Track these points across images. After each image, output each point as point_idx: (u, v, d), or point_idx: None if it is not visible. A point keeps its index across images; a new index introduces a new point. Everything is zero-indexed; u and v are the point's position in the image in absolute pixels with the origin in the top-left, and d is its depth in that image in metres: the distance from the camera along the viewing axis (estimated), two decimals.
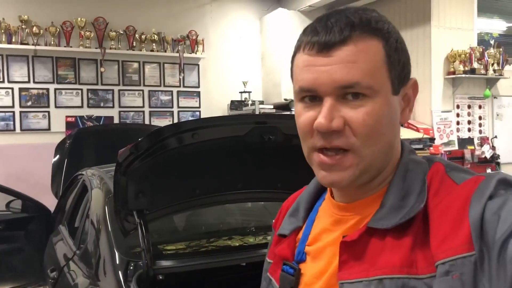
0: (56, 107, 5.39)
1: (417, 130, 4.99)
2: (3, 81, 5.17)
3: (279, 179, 2.06)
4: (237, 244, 2.17)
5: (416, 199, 0.69)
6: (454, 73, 5.19)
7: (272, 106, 5.54)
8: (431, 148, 4.86)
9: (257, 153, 1.91)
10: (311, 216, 0.84)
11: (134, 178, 1.87)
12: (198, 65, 6.07)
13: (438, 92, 5.23)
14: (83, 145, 4.37)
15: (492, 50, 5.43)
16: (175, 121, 5.93)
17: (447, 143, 5.25)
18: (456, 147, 5.32)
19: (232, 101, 6.02)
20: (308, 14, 5.99)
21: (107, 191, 2.48)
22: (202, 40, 6.00)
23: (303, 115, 0.72)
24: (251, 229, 2.48)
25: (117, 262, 1.93)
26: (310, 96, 0.70)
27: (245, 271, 2.14)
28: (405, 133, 4.82)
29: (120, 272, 1.86)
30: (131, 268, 1.86)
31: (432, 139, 4.94)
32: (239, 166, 1.98)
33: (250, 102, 5.81)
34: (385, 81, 0.69)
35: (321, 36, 0.68)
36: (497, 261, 0.58)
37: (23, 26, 5.16)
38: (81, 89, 5.50)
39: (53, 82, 5.37)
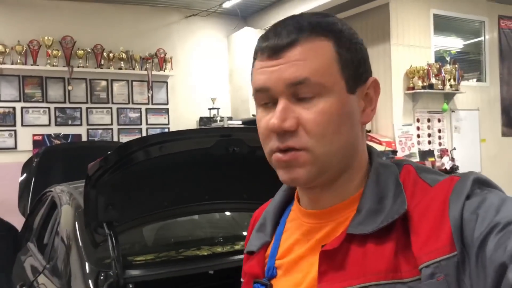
0: (22, 125, 5.37)
1: (380, 143, 5.19)
2: None
3: (245, 190, 2.15)
4: (205, 254, 2.24)
5: (393, 202, 0.68)
6: (413, 88, 5.44)
7: (240, 122, 5.66)
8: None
9: (223, 164, 2.00)
10: (279, 230, 0.82)
11: (103, 191, 1.93)
12: (167, 82, 6.15)
13: (399, 106, 5.46)
14: (50, 163, 4.35)
15: (448, 67, 5.71)
16: None
17: (409, 155, 5.46)
18: (417, 159, 5.54)
19: (201, 118, 6.11)
20: None
21: (76, 206, 2.52)
22: (170, 58, 6.09)
23: (262, 119, 0.72)
24: (219, 239, 2.55)
25: (87, 271, 1.97)
26: (268, 100, 0.71)
27: (213, 280, 2.22)
28: None
29: (90, 281, 1.91)
30: (102, 278, 1.91)
31: (394, 152, 5.14)
32: (206, 178, 2.06)
33: (219, 118, 5.92)
34: (338, 79, 0.69)
35: (270, 41, 0.70)
36: (476, 260, 0.58)
37: None
38: (49, 107, 5.50)
39: (19, 101, 5.36)
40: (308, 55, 0.68)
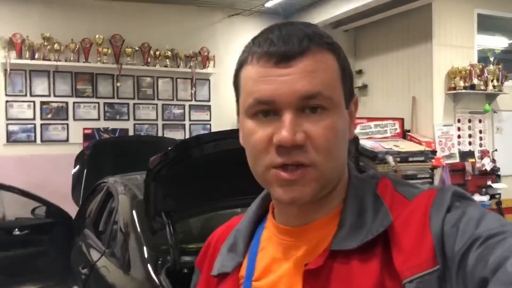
0: (74, 119, 5.67)
1: (419, 143, 5.22)
2: (25, 95, 5.47)
3: None
4: None
5: (374, 215, 0.67)
6: (455, 88, 5.42)
7: None
8: (433, 160, 5.07)
9: None
10: (253, 249, 0.77)
11: (162, 183, 2.12)
12: (209, 80, 6.34)
13: (439, 107, 5.46)
14: (101, 156, 4.62)
15: (491, 67, 5.66)
16: (187, 133, 6.20)
17: (449, 156, 5.46)
18: (457, 160, 5.53)
19: None
20: None
21: (132, 196, 2.72)
22: (213, 56, 6.28)
23: (257, 132, 0.66)
24: None
25: (146, 256, 2.16)
26: (263, 111, 0.66)
27: None
28: (408, 146, 5.04)
29: (149, 266, 2.10)
30: (160, 262, 2.10)
31: (433, 152, 5.16)
32: None
33: None
34: (341, 94, 0.68)
35: (279, 47, 0.65)
36: (457, 274, 0.57)
37: (45, 43, 5.46)
38: (98, 103, 5.78)
39: (72, 96, 5.66)
40: (319, 67, 0.65)
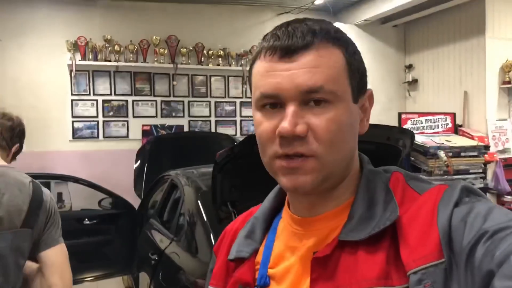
0: (133, 116, 6.00)
1: (472, 137, 5.18)
2: (89, 94, 5.84)
3: None
4: None
5: (384, 209, 0.68)
6: (509, 82, 5.34)
7: None
8: (486, 155, 5.03)
9: None
10: (270, 237, 0.80)
11: (228, 175, 2.30)
12: None
13: (493, 101, 5.40)
14: (160, 151, 4.90)
15: None
16: (238, 129, 6.41)
17: (502, 151, 5.39)
18: (511, 155, 5.45)
19: None
20: (364, 27, 6.32)
21: (196, 188, 2.93)
22: None
23: (264, 123, 0.70)
24: None
25: (213, 242, 2.35)
26: (271, 103, 0.69)
27: None
28: (460, 141, 5.03)
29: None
30: None
31: (487, 147, 5.11)
32: None
33: None
34: (346, 88, 0.69)
35: (283, 41, 0.67)
36: (465, 267, 0.58)
37: (106, 45, 5.80)
38: (156, 101, 6.08)
39: (131, 95, 5.99)
40: (322, 62, 0.67)
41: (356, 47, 0.73)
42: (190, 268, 2.39)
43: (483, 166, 4.96)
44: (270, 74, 0.68)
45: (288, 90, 0.66)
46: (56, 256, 1.54)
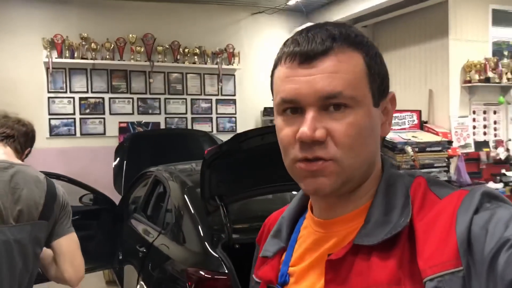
0: (110, 114, 6.07)
1: (436, 133, 5.51)
2: (65, 92, 5.88)
3: None
4: None
5: (400, 214, 0.68)
6: (470, 81, 5.69)
7: None
8: (449, 150, 5.36)
9: None
10: (293, 237, 0.82)
11: (216, 171, 2.47)
12: (234, 75, 6.69)
13: (455, 99, 5.74)
14: (138, 148, 5.00)
15: (506, 61, 5.90)
16: (214, 126, 6.56)
17: (464, 146, 5.74)
18: (472, 149, 5.81)
19: (265, 108, 6.62)
20: None
21: (182, 183, 3.09)
22: (238, 52, 6.62)
23: (285, 128, 0.71)
24: None
25: (202, 233, 2.53)
26: (292, 108, 0.70)
27: None
28: (425, 137, 5.34)
29: (206, 242, 2.46)
30: (215, 239, 2.46)
31: (450, 142, 5.44)
32: None
33: None
34: (367, 92, 0.70)
35: (302, 47, 0.68)
36: (487, 276, 0.57)
37: (83, 43, 5.85)
38: (132, 98, 6.17)
39: (108, 92, 6.06)
40: (342, 67, 0.67)
41: (377, 50, 0.73)
42: (180, 257, 2.55)
43: (446, 160, 5.29)
44: (290, 79, 0.69)
45: (307, 96, 0.67)
46: (67, 244, 1.69)
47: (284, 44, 0.73)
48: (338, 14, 6.33)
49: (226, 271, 2.23)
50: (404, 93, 6.40)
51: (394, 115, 5.50)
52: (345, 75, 0.67)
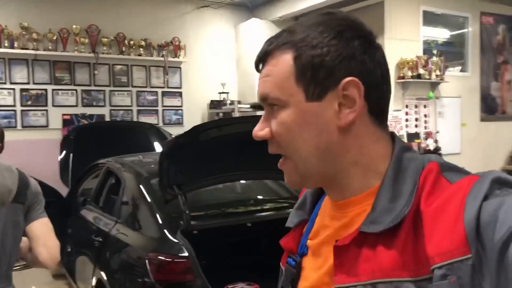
0: (53, 106, 5.95)
1: None
2: (5, 83, 5.69)
3: (275, 162, 2.82)
4: (245, 210, 2.93)
5: (406, 202, 0.68)
6: (403, 78, 6.12)
7: (249, 106, 6.30)
8: None
9: (262, 143, 2.66)
10: (316, 210, 0.84)
11: (174, 161, 2.60)
12: (180, 68, 6.75)
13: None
14: (84, 140, 4.96)
15: (435, 59, 6.40)
16: (160, 118, 6.60)
17: None
18: (405, 141, 6.26)
19: (211, 101, 6.74)
20: (279, 23, 6.78)
21: (136, 174, 3.17)
22: (184, 45, 6.68)
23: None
24: (253, 201, 3.24)
25: (160, 221, 2.64)
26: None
27: (251, 232, 2.92)
28: None
29: (165, 230, 2.58)
30: (173, 226, 2.59)
31: None
32: (250, 153, 2.71)
33: (228, 102, 6.55)
34: (295, 90, 0.70)
35: (259, 52, 0.75)
36: (497, 264, 0.56)
37: (23, 33, 5.68)
38: (76, 90, 6.08)
39: (50, 83, 5.93)
40: (272, 71, 0.72)
41: (320, 42, 0.70)
42: (140, 244, 2.65)
43: None
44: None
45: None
46: (40, 228, 1.76)
47: None
48: (281, 11, 6.55)
49: (187, 255, 2.37)
50: None
51: None
52: (273, 78, 0.71)
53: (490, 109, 7.28)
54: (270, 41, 0.73)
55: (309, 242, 0.80)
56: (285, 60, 0.71)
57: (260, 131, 0.73)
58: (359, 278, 0.68)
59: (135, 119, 6.41)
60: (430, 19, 6.57)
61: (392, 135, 0.76)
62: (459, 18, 7.00)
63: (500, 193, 0.61)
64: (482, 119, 7.20)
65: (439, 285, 0.60)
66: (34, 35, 5.71)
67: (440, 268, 0.60)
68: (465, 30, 7.08)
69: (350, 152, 0.72)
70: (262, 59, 0.74)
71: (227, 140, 2.61)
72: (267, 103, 0.72)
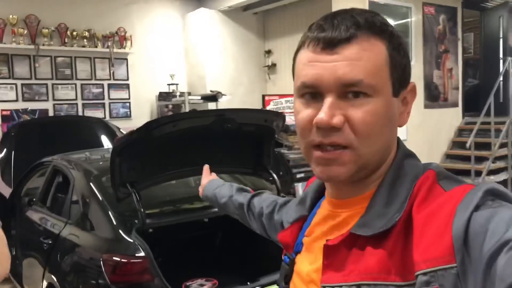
0: None
1: None
2: None
3: (233, 157, 2.78)
4: (201, 206, 2.88)
5: (398, 208, 0.68)
6: None
7: (199, 97, 6.21)
8: None
9: (218, 137, 2.62)
10: (315, 208, 0.84)
11: (126, 158, 2.50)
12: (127, 59, 6.54)
13: None
14: (27, 137, 4.72)
15: None
16: (107, 112, 6.38)
17: None
18: None
19: (160, 93, 6.59)
20: (227, 13, 6.72)
21: (85, 172, 3.04)
22: (130, 36, 6.47)
23: (302, 111, 0.71)
24: None
25: (115, 221, 2.55)
26: (311, 93, 0.70)
27: (207, 227, 2.87)
28: None
29: (120, 229, 2.49)
30: (128, 225, 2.51)
31: None
32: (205, 148, 2.67)
33: (178, 94, 6.42)
34: (387, 82, 0.69)
35: (327, 33, 0.68)
36: (484, 275, 0.56)
37: None
38: (16, 84, 5.76)
39: None
40: (364, 55, 0.67)
41: (401, 40, 0.73)
42: (93, 245, 2.55)
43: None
44: (312, 64, 0.69)
45: (327, 82, 0.67)
46: None
47: (309, 28, 0.72)
48: (230, 0, 6.48)
49: (143, 255, 2.30)
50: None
51: (287, 99, 5.88)
52: (367, 63, 0.67)
53: (433, 96, 7.55)
54: (354, 23, 0.68)
55: (304, 239, 0.81)
56: (380, 48, 0.69)
57: (332, 118, 0.67)
58: (346, 279, 0.68)
59: (80, 114, 6.17)
60: (376, 9, 6.71)
61: (397, 140, 0.77)
62: (403, 8, 7.20)
63: (492, 204, 0.61)
64: (426, 106, 7.47)
65: None
66: None
67: (425, 275, 0.60)
68: (408, 19, 7.29)
69: (391, 153, 0.75)
70: (344, 39, 0.68)
71: (181, 135, 2.54)
72: (349, 90, 0.67)
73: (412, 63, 7.28)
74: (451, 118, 7.75)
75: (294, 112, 0.75)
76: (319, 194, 0.86)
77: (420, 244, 0.62)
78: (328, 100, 0.68)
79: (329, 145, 0.69)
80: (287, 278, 0.83)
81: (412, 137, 7.07)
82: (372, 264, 0.66)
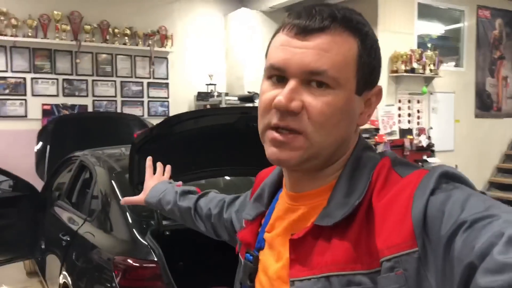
0: (33, 95, 5.70)
1: None
2: None
3: (258, 158, 2.62)
4: None
5: (358, 196, 0.70)
6: (397, 71, 5.93)
7: (236, 98, 6.08)
8: (376, 137, 5.58)
9: (243, 137, 2.46)
10: (273, 203, 0.84)
11: (145, 155, 2.38)
12: (167, 58, 6.51)
13: (383, 88, 5.94)
14: (63, 131, 4.74)
15: (429, 53, 6.21)
16: (145, 110, 6.37)
17: (390, 133, 5.99)
18: (397, 137, 6.08)
19: (199, 93, 6.51)
20: (269, 14, 6.56)
21: (109, 168, 2.96)
22: (171, 35, 6.44)
23: (267, 92, 0.72)
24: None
25: (130, 221, 2.44)
26: (278, 76, 0.71)
27: None
28: None
29: (134, 228, 2.38)
30: (144, 226, 2.38)
31: (377, 129, 5.66)
32: (228, 147, 2.52)
33: (216, 94, 6.33)
34: (351, 78, 0.70)
35: (302, 20, 0.69)
36: (443, 257, 0.57)
37: (1, 18, 5.42)
38: (57, 79, 5.83)
39: (30, 72, 5.68)
40: (334, 47, 0.69)
41: (375, 43, 0.74)
42: (106, 246, 2.44)
43: (374, 146, 5.50)
44: (283, 48, 0.71)
45: (294, 67, 0.69)
46: None
47: (288, 15, 0.74)
48: (272, 1, 6.32)
49: (155, 259, 2.16)
50: None
51: None
52: (335, 56, 0.68)
53: (484, 105, 7.11)
54: (331, 15, 0.70)
55: (266, 235, 0.81)
56: (350, 44, 0.70)
57: (291, 102, 0.68)
58: (314, 272, 0.69)
59: (119, 111, 6.18)
60: (425, 12, 6.38)
61: (359, 137, 0.78)
62: (455, 11, 6.82)
63: (446, 187, 0.63)
64: (477, 116, 7.04)
65: (386, 277, 0.61)
66: (13, 21, 5.45)
67: (389, 261, 0.61)
68: (461, 24, 6.89)
69: (348, 149, 0.76)
70: (317, 28, 0.69)
71: (203, 133, 2.40)
72: (313, 79, 0.69)
73: (463, 69, 6.88)
74: (505, 129, 7.27)
75: (260, 92, 0.75)
76: (276, 188, 0.87)
77: (382, 232, 0.64)
78: (291, 84, 0.69)
79: (284, 128, 0.70)
80: (252, 276, 0.82)
81: (459, 147, 6.67)
82: (339, 255, 0.67)
